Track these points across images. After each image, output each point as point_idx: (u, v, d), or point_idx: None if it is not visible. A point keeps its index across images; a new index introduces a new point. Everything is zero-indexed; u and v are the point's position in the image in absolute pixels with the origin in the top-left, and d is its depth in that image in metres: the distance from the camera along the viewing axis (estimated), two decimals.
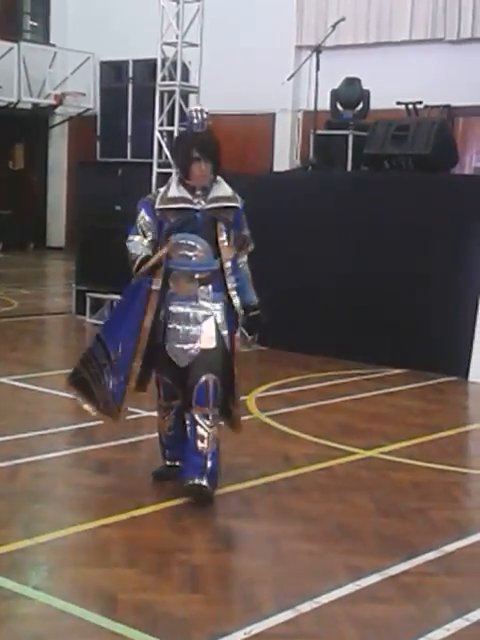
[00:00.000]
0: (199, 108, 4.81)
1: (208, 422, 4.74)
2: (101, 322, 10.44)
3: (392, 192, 8.62)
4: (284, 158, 16.07)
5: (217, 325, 4.82)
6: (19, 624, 3.50)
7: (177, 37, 9.96)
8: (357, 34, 14.92)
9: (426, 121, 9.69)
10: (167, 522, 4.54)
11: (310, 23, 15.20)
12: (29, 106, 19.24)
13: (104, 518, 4.52)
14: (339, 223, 8.75)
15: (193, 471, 4.74)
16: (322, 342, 8.64)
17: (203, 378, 4.75)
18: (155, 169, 10.07)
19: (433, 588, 3.92)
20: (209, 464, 4.73)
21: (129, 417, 6.49)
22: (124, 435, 5.85)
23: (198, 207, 4.79)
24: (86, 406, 5.11)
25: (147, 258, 4.83)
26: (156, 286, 4.89)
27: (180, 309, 4.83)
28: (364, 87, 11.07)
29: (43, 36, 20.38)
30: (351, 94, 11.08)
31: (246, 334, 5.06)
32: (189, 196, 4.80)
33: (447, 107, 12.48)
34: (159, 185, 10.02)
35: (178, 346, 4.82)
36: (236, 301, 4.85)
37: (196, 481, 4.71)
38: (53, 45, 19.63)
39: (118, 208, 10.63)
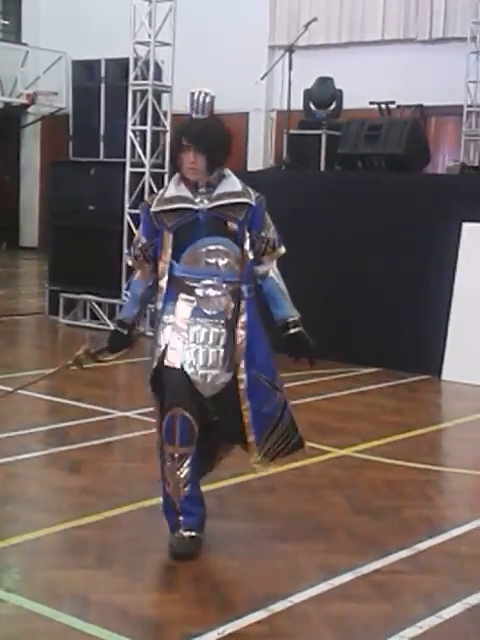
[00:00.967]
0: (199, 90, 4.07)
1: None
2: (75, 322, 10.45)
3: (365, 191, 8.64)
4: (258, 158, 16.09)
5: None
6: None
7: (149, 36, 9.92)
8: (330, 34, 14.96)
9: (399, 121, 9.73)
10: (140, 522, 4.53)
11: (283, 23, 15.22)
12: (1, 105, 19.13)
13: (77, 519, 4.49)
14: (311, 222, 8.76)
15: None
16: None
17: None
18: (128, 169, 10.03)
19: (406, 586, 3.93)
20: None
21: (101, 417, 6.51)
22: (97, 436, 5.83)
23: (199, 206, 4.09)
24: None
25: (115, 335, 4.30)
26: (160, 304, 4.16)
27: (206, 328, 4.11)
28: (337, 87, 11.11)
29: (15, 35, 20.26)
30: (324, 94, 11.12)
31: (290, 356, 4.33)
32: (189, 194, 4.10)
33: (419, 107, 12.51)
34: (132, 185, 10.02)
35: (203, 372, 4.07)
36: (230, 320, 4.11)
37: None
38: (25, 44, 19.52)
39: (91, 208, 10.60)
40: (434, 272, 8.12)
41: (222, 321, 4.11)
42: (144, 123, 9.98)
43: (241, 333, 4.12)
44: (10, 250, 20.11)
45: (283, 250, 4.33)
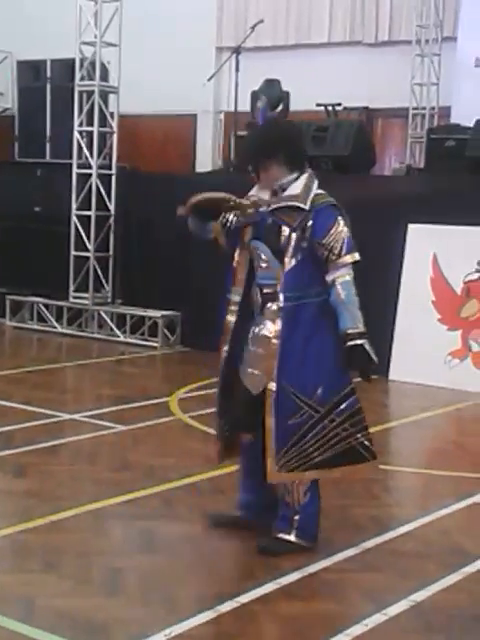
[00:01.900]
0: (260, 99, 4.21)
1: None
2: (22, 325, 10.36)
3: None
4: (206, 159, 16.04)
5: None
6: None
7: (96, 37, 9.87)
8: (276, 36, 14.96)
9: (345, 122, 9.80)
10: (87, 526, 4.50)
11: (230, 24, 15.20)
12: None
13: (22, 523, 4.45)
14: None
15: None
16: None
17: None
18: (75, 170, 9.97)
19: (352, 584, 3.96)
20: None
21: (48, 420, 6.46)
22: (43, 439, 5.78)
23: (263, 208, 4.19)
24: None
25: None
26: (237, 297, 4.28)
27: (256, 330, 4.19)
28: (284, 88, 11.13)
29: None
30: (271, 95, 11.12)
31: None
32: (265, 197, 4.22)
33: (366, 109, 12.59)
34: (79, 187, 9.95)
35: (250, 371, 4.18)
36: (269, 326, 4.13)
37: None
38: None
39: (37, 209, 10.52)
40: (380, 273, 8.17)
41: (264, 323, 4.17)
42: (91, 124, 9.92)
43: (274, 342, 4.11)
44: None
45: (349, 259, 4.16)
